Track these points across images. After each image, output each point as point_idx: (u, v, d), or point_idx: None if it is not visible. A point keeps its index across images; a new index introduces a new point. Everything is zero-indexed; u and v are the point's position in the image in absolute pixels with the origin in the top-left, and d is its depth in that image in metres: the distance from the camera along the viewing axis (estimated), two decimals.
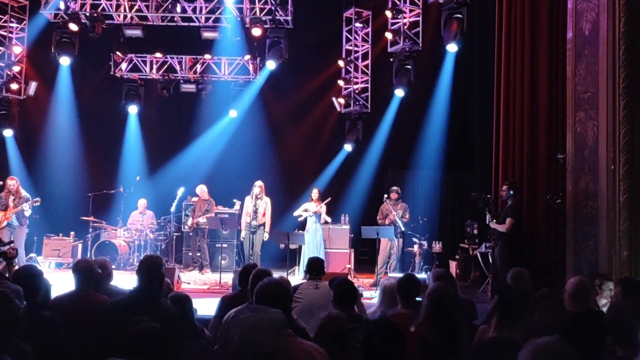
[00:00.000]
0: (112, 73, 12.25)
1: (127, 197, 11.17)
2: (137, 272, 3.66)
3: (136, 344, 2.55)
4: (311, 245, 9.57)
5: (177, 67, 12.36)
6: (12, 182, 8.81)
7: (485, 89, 10.28)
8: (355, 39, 12.28)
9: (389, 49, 10.95)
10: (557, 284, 6.83)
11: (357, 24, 12.22)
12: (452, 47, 9.44)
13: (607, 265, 5.74)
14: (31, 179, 10.69)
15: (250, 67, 12.32)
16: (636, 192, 5.70)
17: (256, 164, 12.00)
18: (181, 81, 12.47)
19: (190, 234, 10.74)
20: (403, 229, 9.29)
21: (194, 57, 12.35)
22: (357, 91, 12.19)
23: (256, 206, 9.45)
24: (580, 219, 6.19)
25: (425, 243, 9.68)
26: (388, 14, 10.86)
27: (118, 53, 11.98)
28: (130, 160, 12.56)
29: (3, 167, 11.42)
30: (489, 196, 8.16)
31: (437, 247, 9.87)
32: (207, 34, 11.21)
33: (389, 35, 10.83)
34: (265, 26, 10.76)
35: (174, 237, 10.96)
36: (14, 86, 11.26)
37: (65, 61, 10.79)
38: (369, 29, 12.19)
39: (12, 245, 6.96)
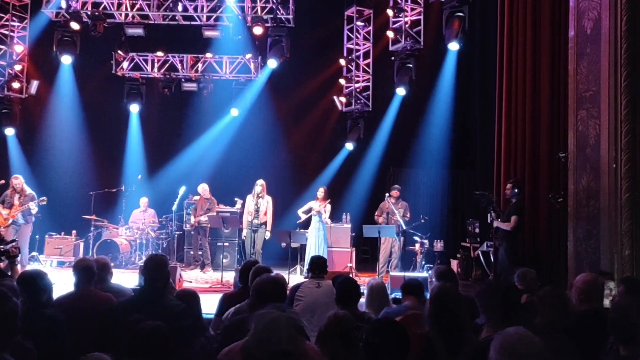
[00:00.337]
0: (113, 72, 12.26)
1: (129, 195, 11.19)
2: (143, 271, 3.67)
3: (139, 344, 2.55)
4: (314, 243, 9.57)
5: (179, 66, 12.37)
6: (17, 182, 8.88)
7: (486, 88, 10.27)
8: (357, 37, 12.27)
9: (391, 48, 10.95)
10: (558, 283, 6.85)
11: (359, 23, 12.22)
12: (453, 46, 9.43)
13: (609, 264, 5.73)
14: (33, 177, 10.69)
15: (252, 66, 12.32)
16: (638, 191, 5.69)
17: (258, 162, 12.01)
18: (182, 80, 12.48)
19: (192, 232, 10.75)
20: (405, 227, 9.29)
21: (196, 55, 12.36)
22: (358, 90, 12.19)
23: (258, 205, 9.46)
24: (582, 217, 6.18)
25: (426, 242, 9.68)
26: (389, 12, 10.86)
27: (119, 52, 11.98)
28: (132, 158, 12.58)
29: (5, 165, 11.44)
30: (491, 195, 8.15)
31: (438, 245, 9.87)
32: (208, 33, 11.21)
33: (390, 34, 10.82)
34: (266, 25, 10.76)
35: (176, 235, 10.97)
36: (16, 85, 11.27)
37: (66, 60, 10.80)
38: (371, 28, 12.19)
39: (14, 244, 6.97)
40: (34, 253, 9.79)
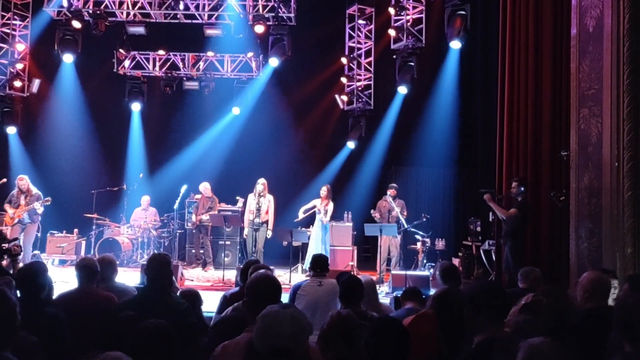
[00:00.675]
0: (115, 70, 12.27)
1: (131, 194, 11.21)
2: (145, 270, 3.66)
3: (143, 342, 2.55)
4: (315, 242, 9.57)
5: (180, 65, 12.38)
6: (21, 182, 8.97)
7: (488, 86, 10.26)
8: (358, 36, 12.26)
9: (392, 46, 10.94)
10: (560, 281, 6.84)
11: (360, 21, 12.20)
12: (455, 44, 9.42)
13: (611, 263, 5.72)
14: (34, 176, 10.66)
15: (253, 65, 12.32)
16: None
17: (259, 161, 12.01)
18: (184, 78, 12.49)
19: (194, 231, 10.76)
20: (406, 226, 9.30)
21: (197, 54, 12.36)
22: (360, 88, 12.18)
23: (259, 204, 9.47)
24: (584, 216, 6.17)
25: (428, 240, 9.68)
26: (391, 10, 10.84)
27: (121, 50, 11.99)
28: (134, 157, 12.59)
29: (7, 164, 11.47)
30: (494, 192, 8.14)
31: (440, 244, 9.88)
32: (209, 31, 11.20)
33: (392, 32, 10.81)
34: (268, 23, 10.74)
35: (177, 234, 10.98)
36: (18, 83, 11.28)
37: (68, 58, 10.81)
38: (372, 26, 12.18)
39: (16, 242, 6.97)
40: (35, 251, 9.78)
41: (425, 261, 9.57)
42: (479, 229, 9.89)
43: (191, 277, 9.33)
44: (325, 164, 12.50)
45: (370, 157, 12.31)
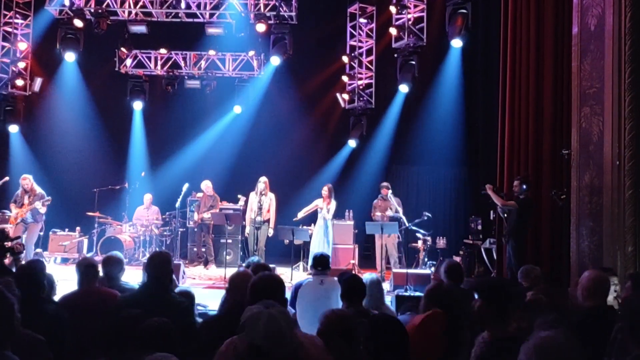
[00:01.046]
0: (116, 69, 12.29)
1: (133, 192, 11.22)
2: (146, 268, 3.66)
3: (145, 340, 2.57)
4: (318, 240, 9.59)
5: (182, 63, 12.39)
6: (25, 182, 9.02)
7: (489, 85, 10.25)
8: (360, 34, 12.26)
9: (394, 45, 10.94)
10: (561, 280, 6.85)
11: (362, 20, 12.20)
12: (456, 43, 9.43)
13: (612, 261, 5.73)
14: (37, 174, 10.66)
15: (255, 63, 12.32)
16: None
17: (260, 159, 12.02)
18: (185, 77, 12.49)
19: (195, 229, 10.78)
20: (407, 224, 9.30)
21: (198, 53, 12.37)
22: (361, 87, 12.18)
23: (261, 202, 9.49)
24: (585, 214, 6.18)
25: (429, 238, 9.71)
26: (392, 9, 10.85)
27: (123, 49, 11.99)
28: (135, 156, 12.61)
29: (9, 163, 11.49)
30: (496, 188, 8.14)
31: (441, 242, 9.90)
32: (211, 30, 11.21)
33: (393, 31, 10.82)
34: (269, 22, 10.75)
35: (179, 232, 10.99)
36: (20, 82, 11.31)
37: (70, 57, 10.83)
38: (373, 25, 12.18)
39: (18, 240, 7.01)
40: (38, 250, 9.81)
41: (426, 259, 9.59)
42: (479, 227, 9.89)
43: (193, 275, 9.36)
44: (326, 163, 12.50)
45: (371, 155, 12.31)
